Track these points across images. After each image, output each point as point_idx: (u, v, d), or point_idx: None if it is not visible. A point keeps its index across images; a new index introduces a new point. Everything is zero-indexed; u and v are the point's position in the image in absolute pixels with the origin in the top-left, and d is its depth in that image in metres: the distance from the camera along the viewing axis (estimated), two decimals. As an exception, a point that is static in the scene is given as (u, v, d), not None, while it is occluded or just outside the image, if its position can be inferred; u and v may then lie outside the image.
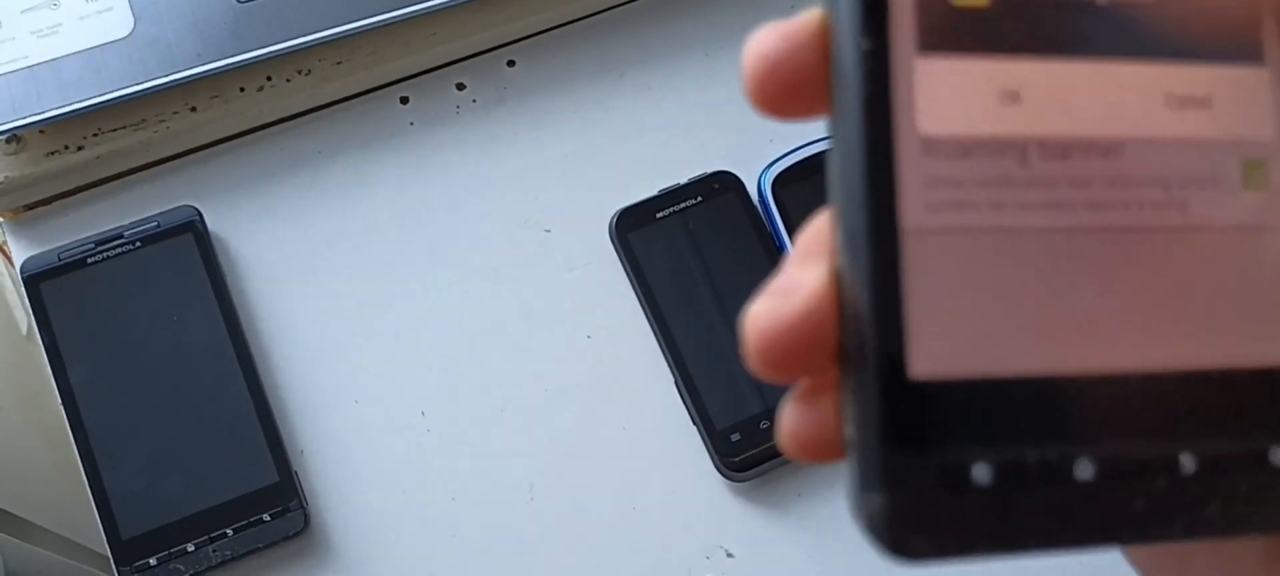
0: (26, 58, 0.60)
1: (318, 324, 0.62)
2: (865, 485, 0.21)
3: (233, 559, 0.57)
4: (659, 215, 0.64)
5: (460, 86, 0.67)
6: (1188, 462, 0.21)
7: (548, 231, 0.65)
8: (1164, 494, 0.21)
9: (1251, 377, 0.22)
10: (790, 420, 0.23)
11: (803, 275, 0.23)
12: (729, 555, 0.59)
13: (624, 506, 0.60)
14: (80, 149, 0.62)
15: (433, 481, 0.60)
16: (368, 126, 0.66)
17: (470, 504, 0.59)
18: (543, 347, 0.63)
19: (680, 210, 0.64)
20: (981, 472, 0.21)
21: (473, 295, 0.64)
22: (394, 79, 0.66)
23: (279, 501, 0.58)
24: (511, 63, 0.68)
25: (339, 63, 0.65)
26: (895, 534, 0.21)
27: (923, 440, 0.21)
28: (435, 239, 0.65)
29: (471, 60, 0.67)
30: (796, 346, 0.22)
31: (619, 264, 0.63)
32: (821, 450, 0.23)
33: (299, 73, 0.64)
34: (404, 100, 0.67)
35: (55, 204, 0.63)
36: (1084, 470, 0.21)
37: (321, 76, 0.65)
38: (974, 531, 0.21)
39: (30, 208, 0.63)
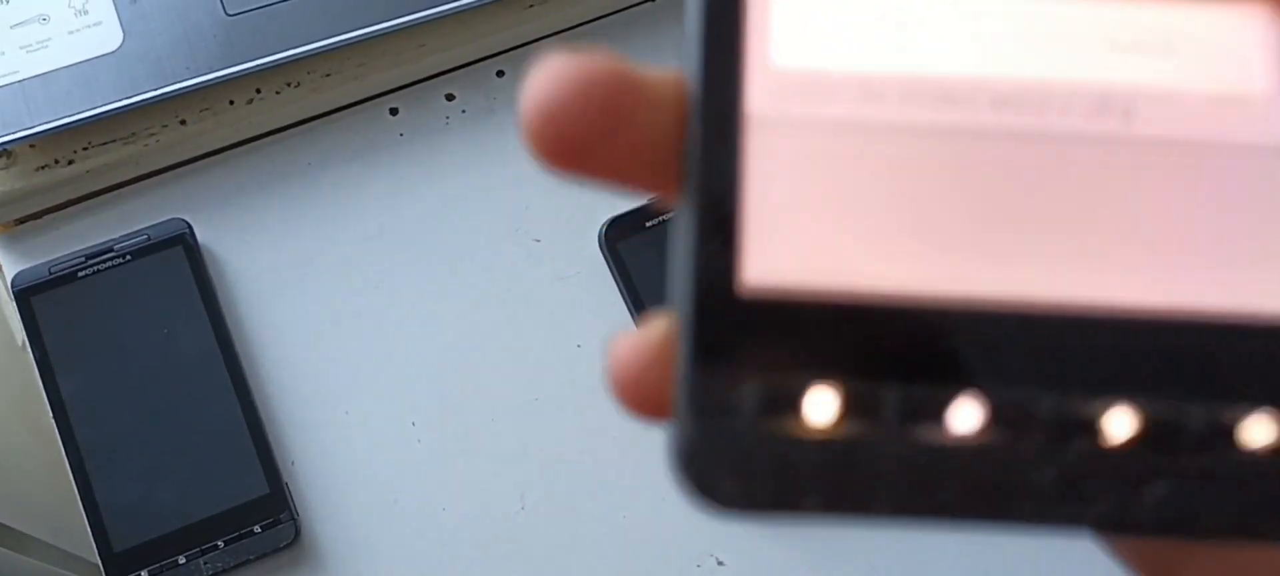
0: (16, 73, 0.60)
1: (308, 335, 0.63)
2: (677, 413, 0.17)
3: (224, 570, 0.57)
4: (648, 223, 0.64)
5: (450, 97, 0.67)
6: (1119, 426, 0.16)
7: (537, 240, 0.65)
8: (1081, 466, 0.16)
9: (1220, 327, 0.17)
10: (621, 357, 0.18)
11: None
12: (720, 564, 0.59)
13: (614, 515, 0.60)
14: (71, 163, 0.62)
15: (423, 491, 0.60)
16: (357, 138, 0.66)
17: (461, 513, 0.60)
18: (533, 356, 0.63)
19: (670, 218, 0.64)
20: (820, 408, 0.16)
21: (463, 304, 0.64)
22: (383, 90, 0.67)
23: (270, 512, 0.58)
24: (501, 73, 0.68)
25: (328, 75, 0.65)
26: (702, 473, 0.17)
27: (746, 361, 0.17)
28: (425, 249, 0.65)
29: (460, 71, 0.68)
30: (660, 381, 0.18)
31: (609, 272, 0.63)
32: (648, 399, 0.18)
33: (288, 85, 0.64)
34: (393, 111, 0.67)
35: (46, 217, 0.63)
36: (964, 420, 0.16)
37: (311, 88, 0.65)
38: (807, 484, 0.16)
39: (21, 221, 0.63)
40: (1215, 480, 0.16)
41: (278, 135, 0.65)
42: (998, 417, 0.16)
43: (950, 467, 0.16)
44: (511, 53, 0.68)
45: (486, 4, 0.65)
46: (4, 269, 0.62)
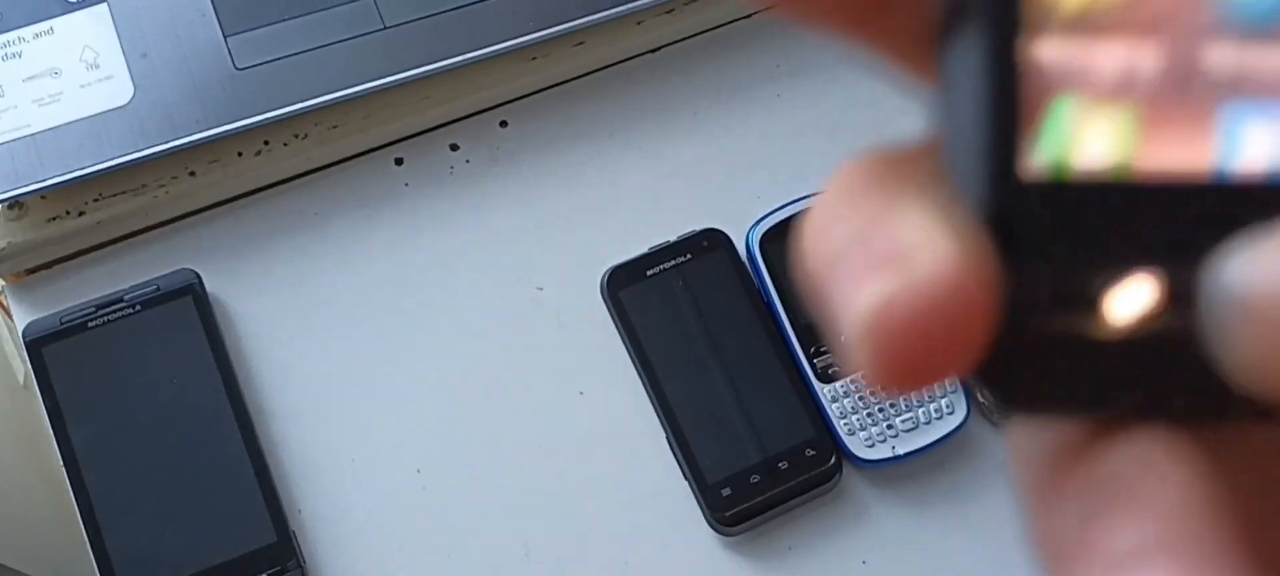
0: (29, 126, 0.61)
1: (315, 384, 0.64)
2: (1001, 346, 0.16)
3: (232, 619, 0.58)
4: (649, 272, 0.65)
5: (454, 147, 0.69)
6: None
7: (540, 288, 0.66)
8: None
9: None
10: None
11: (905, 227, 0.16)
12: (721, 609, 0.60)
13: (617, 562, 0.61)
14: (81, 214, 0.63)
15: (429, 539, 0.61)
16: (363, 188, 0.67)
17: (466, 562, 0.60)
18: (536, 404, 0.64)
19: (670, 267, 0.65)
20: (1139, 298, 0.16)
21: (467, 353, 0.65)
22: (388, 141, 0.68)
23: (278, 561, 0.59)
24: (504, 123, 0.69)
25: (335, 126, 0.66)
26: (1005, 383, 0.17)
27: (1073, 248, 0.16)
28: (430, 298, 0.66)
29: (464, 121, 0.69)
30: (949, 330, 0.16)
31: (610, 321, 0.65)
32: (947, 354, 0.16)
33: (296, 137, 0.66)
34: (398, 161, 0.68)
35: (56, 267, 0.64)
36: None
37: (318, 139, 0.66)
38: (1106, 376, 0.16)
39: (32, 271, 0.64)
40: None
41: (285, 186, 0.67)
42: None
43: None
44: (514, 103, 0.70)
45: (490, 57, 0.66)
46: (15, 318, 0.63)
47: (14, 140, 0.61)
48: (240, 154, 0.65)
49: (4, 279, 0.64)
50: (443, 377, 0.64)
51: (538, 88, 0.70)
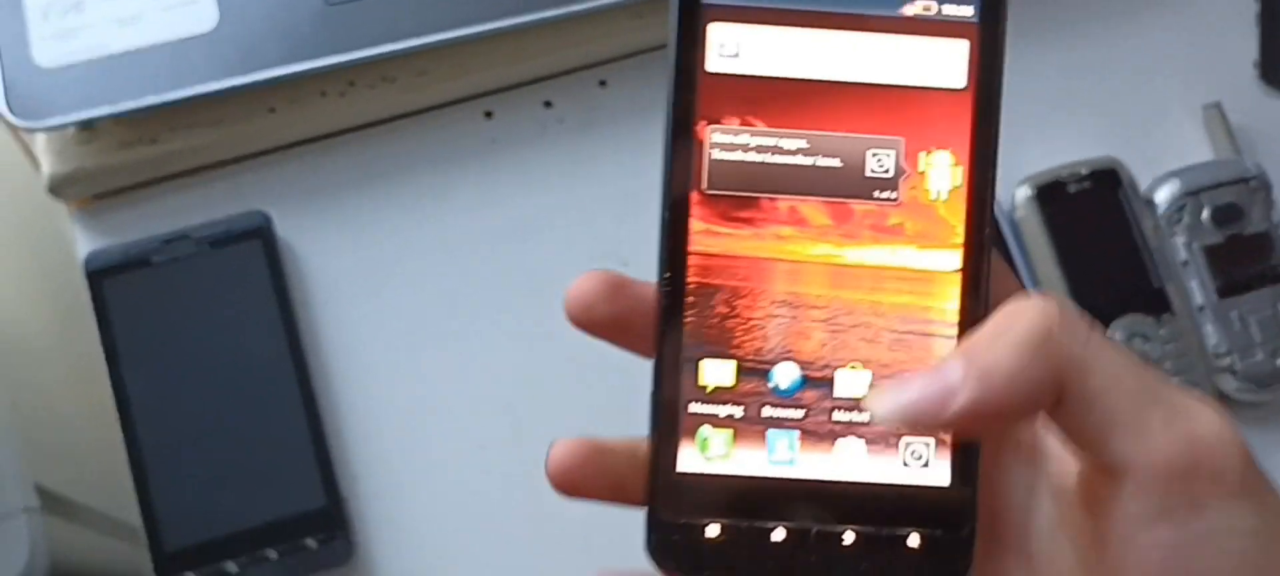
0: (106, 46, 0.59)
1: (382, 343, 0.60)
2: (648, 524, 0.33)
3: (273, 583, 0.55)
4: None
5: (548, 104, 0.64)
6: (848, 537, 0.31)
7: (626, 264, 0.62)
8: (830, 555, 0.31)
9: (902, 489, 0.32)
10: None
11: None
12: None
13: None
14: (154, 142, 0.60)
15: (487, 522, 0.57)
16: (448, 140, 0.63)
17: (524, 550, 0.57)
18: (616, 392, 0.59)
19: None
20: (713, 530, 0.32)
21: (546, 327, 0.60)
22: (479, 92, 0.64)
23: (325, 527, 0.55)
24: (603, 83, 0.65)
25: (423, 72, 0.62)
26: (656, 555, 0.32)
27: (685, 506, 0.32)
28: (511, 263, 0.62)
29: (561, 78, 0.65)
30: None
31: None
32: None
33: (382, 80, 0.62)
34: (488, 115, 0.64)
35: (124, 195, 0.61)
36: (778, 535, 0.32)
37: (405, 86, 0.62)
38: (706, 559, 0.32)
39: (99, 198, 0.61)
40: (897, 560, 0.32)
41: (367, 131, 0.63)
42: (790, 533, 0.32)
43: (774, 556, 0.32)
44: (615, 63, 0.65)
45: (592, 12, 0.62)
46: (78, 247, 0.60)
47: (90, 60, 0.58)
48: (323, 94, 0.62)
49: (70, 204, 0.61)
50: (517, 351, 0.60)
51: (641, 48, 0.65)
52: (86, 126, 0.60)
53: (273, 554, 0.55)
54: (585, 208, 0.63)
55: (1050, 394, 0.28)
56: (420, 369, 0.60)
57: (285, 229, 0.61)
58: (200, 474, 0.56)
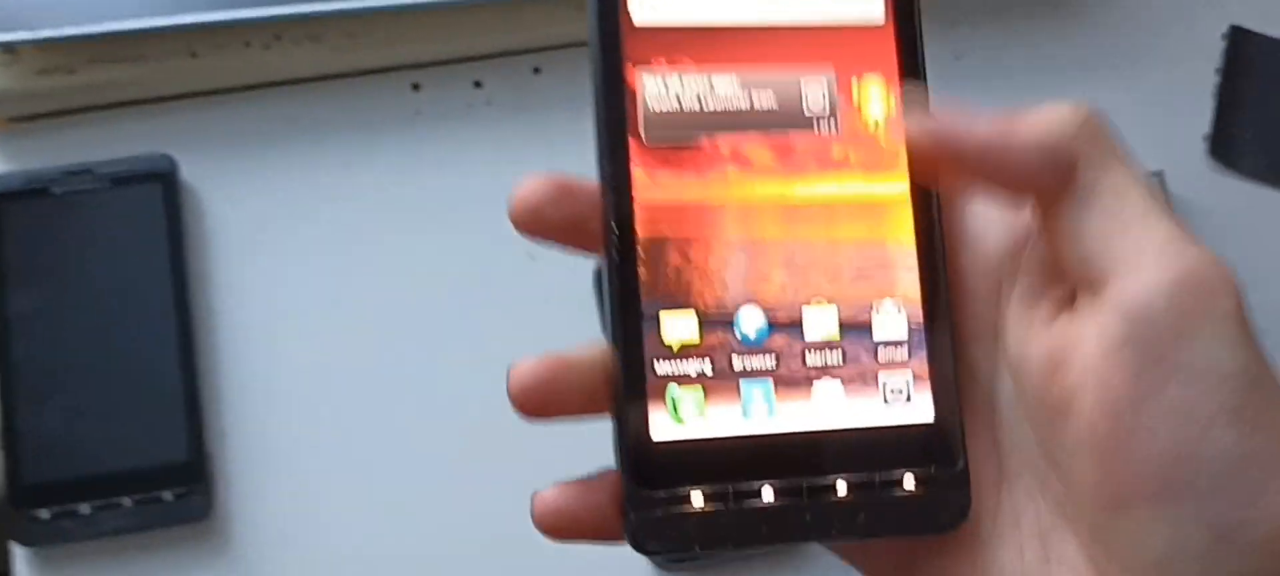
0: (31, -30, 0.58)
1: (277, 304, 0.60)
2: (625, 509, 0.30)
3: (125, 531, 0.54)
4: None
5: (478, 84, 0.63)
6: (841, 488, 0.30)
7: (533, 258, 0.61)
8: (825, 511, 0.30)
9: (888, 430, 0.31)
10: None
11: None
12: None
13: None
14: (71, 72, 0.60)
15: (356, 499, 0.57)
16: (371, 107, 0.62)
17: (391, 535, 0.56)
18: (501, 377, 0.58)
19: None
20: (697, 500, 0.30)
21: (447, 309, 0.60)
22: (408, 63, 0.63)
23: (185, 481, 0.55)
24: (537, 70, 0.64)
25: (353, 35, 0.61)
26: (639, 540, 0.29)
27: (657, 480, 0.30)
28: (421, 240, 0.61)
29: (494, 60, 0.64)
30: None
31: (596, 308, 0.59)
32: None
33: (310, 38, 0.61)
34: (416, 87, 0.63)
35: (38, 122, 0.61)
36: (767, 495, 0.30)
37: (333, 46, 0.61)
38: (693, 534, 0.30)
39: (14, 121, 0.61)
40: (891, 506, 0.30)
41: (290, 87, 0.62)
42: (780, 491, 0.30)
43: (763, 518, 0.30)
44: (554, 51, 0.64)
45: (532, -3, 0.61)
46: (-15, 166, 0.60)
47: (16, -17, 0.58)
48: (247, 44, 0.61)
49: (-17, 124, 0.61)
50: (415, 330, 0.60)
51: (579, 40, 0.63)
52: (7, 50, 0.60)
53: (127, 502, 0.54)
54: (503, 192, 0.62)
55: (1065, 170, 0.29)
56: (312, 334, 0.59)
57: (194, 176, 0.60)
58: (69, 410, 0.56)
